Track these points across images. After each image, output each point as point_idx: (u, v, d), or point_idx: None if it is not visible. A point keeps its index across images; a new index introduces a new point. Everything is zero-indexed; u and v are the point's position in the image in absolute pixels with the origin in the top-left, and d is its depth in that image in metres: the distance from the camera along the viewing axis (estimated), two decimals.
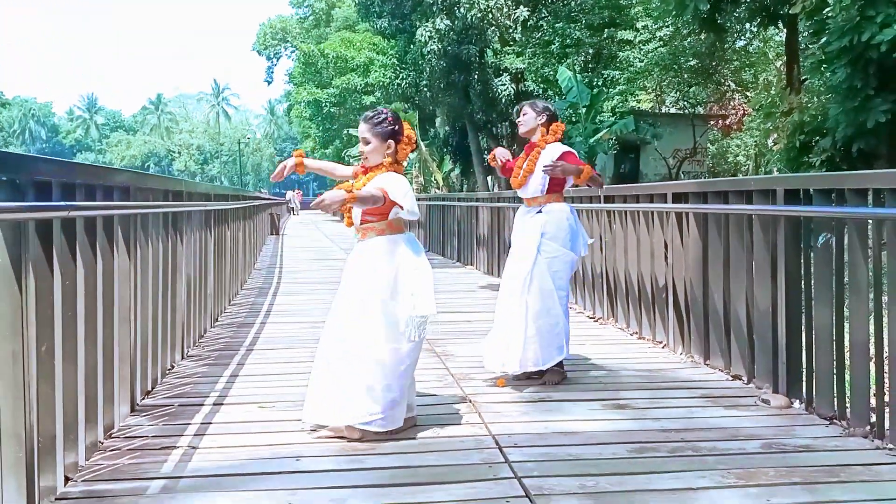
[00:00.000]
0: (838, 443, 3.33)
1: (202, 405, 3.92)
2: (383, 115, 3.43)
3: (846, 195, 3.58)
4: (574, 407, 3.90)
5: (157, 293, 4.35)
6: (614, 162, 22.43)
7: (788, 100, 12.35)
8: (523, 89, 20.15)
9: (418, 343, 3.43)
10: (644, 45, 18.60)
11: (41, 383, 2.60)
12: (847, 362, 3.61)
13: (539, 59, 19.31)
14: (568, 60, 19.06)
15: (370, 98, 28.04)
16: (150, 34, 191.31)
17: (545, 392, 4.18)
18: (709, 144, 22.36)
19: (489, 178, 24.14)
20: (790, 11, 11.76)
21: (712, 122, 22.59)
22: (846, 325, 3.61)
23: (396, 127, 3.43)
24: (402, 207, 3.34)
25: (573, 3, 19.83)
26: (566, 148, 4.45)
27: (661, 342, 5.53)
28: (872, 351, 3.42)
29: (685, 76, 19.52)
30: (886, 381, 3.33)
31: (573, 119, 18.22)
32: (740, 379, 4.44)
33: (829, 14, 9.65)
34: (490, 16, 20.09)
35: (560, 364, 4.38)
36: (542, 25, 20.00)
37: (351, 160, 28.51)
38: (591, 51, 19.32)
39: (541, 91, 19.37)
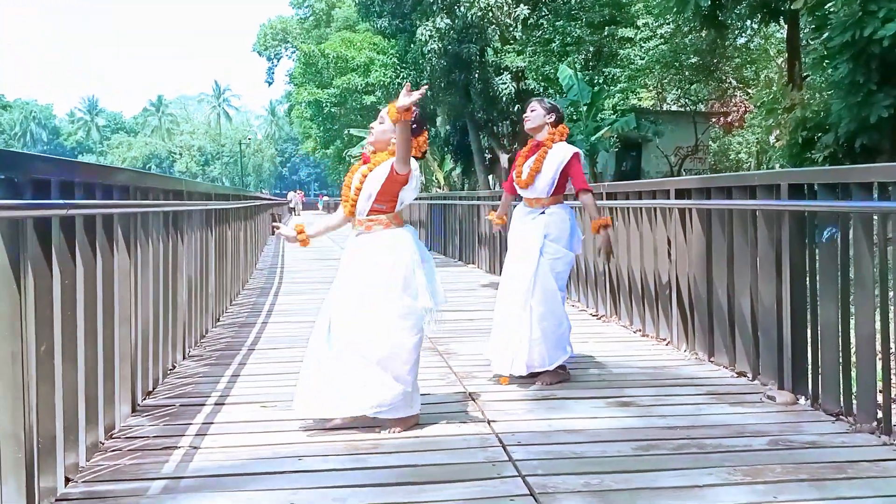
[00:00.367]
0: (845, 439, 3.30)
1: (203, 405, 3.90)
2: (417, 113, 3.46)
3: (851, 189, 3.55)
4: (578, 404, 3.87)
5: (157, 293, 4.33)
6: (616, 160, 22.40)
7: (790, 96, 12.30)
8: (524, 88, 20.13)
9: (422, 336, 3.45)
10: (645, 42, 18.56)
11: (41, 384, 2.58)
12: (853, 358, 3.57)
13: (540, 58, 19.28)
14: (569, 58, 19.03)
15: (371, 98, 28.02)
16: (151, 36, 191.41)
17: (549, 390, 4.16)
18: (710, 142, 22.32)
19: (490, 176, 24.12)
20: (791, 7, 11.71)
21: (714, 120, 22.54)
22: (852, 320, 3.58)
23: (414, 126, 3.42)
24: (400, 169, 3.36)
25: (573, 1, 19.79)
26: (574, 149, 4.40)
27: (664, 339, 5.50)
28: (879, 346, 3.39)
29: (686, 73, 19.48)
30: (893, 376, 3.29)
31: (574, 117, 18.18)
32: (745, 375, 4.41)
33: (831, 9, 9.60)
34: (490, 14, 20.06)
35: (563, 365, 4.34)
36: (542, 24, 19.97)
37: (352, 160, 28.52)
38: (591, 49, 19.29)
39: (542, 89, 19.34)
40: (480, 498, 2.69)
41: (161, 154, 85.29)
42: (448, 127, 25.80)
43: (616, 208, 6.46)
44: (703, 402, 3.90)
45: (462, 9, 19.33)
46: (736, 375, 4.46)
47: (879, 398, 3.41)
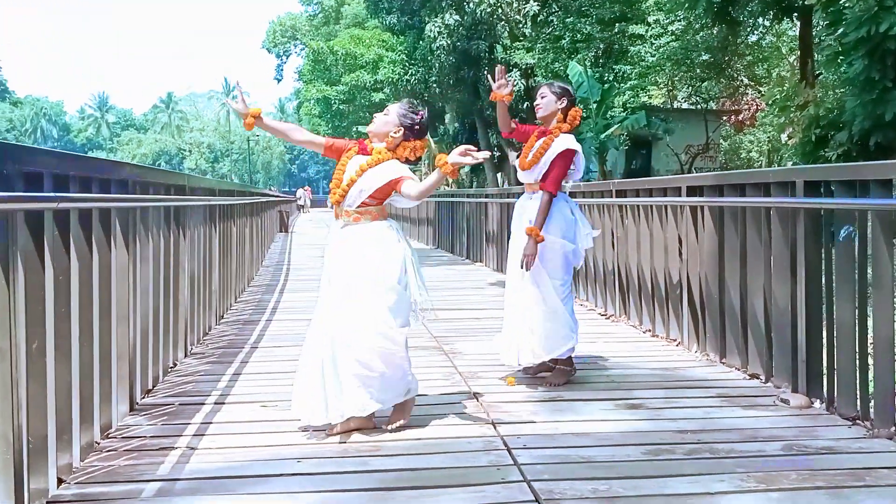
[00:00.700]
0: (862, 444, 3.19)
1: (203, 404, 3.82)
2: (418, 110, 3.41)
3: (869, 186, 3.43)
4: (586, 406, 3.77)
5: (158, 289, 4.26)
6: (625, 158, 22.25)
7: (804, 93, 12.14)
8: (533, 84, 19.97)
9: (407, 326, 3.39)
10: (656, 39, 18.40)
11: (32, 382, 2.51)
12: (870, 360, 3.46)
13: (549, 55, 19.13)
14: (578, 55, 18.88)
15: (379, 95, 27.88)
16: (161, 33, 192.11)
17: (556, 391, 4.06)
18: (721, 140, 22.15)
19: (499, 174, 24.00)
20: (805, 3, 11.54)
21: (725, 118, 22.36)
22: (869, 321, 3.47)
23: (417, 127, 3.37)
24: (411, 197, 3.34)
25: None
26: (568, 147, 4.15)
27: (675, 340, 5.39)
28: None
29: (697, 71, 19.30)
30: None
31: (584, 115, 18.04)
32: (758, 378, 4.30)
33: (846, 5, 9.46)
34: (500, 11, 19.93)
35: (568, 362, 4.24)
36: (552, 20, 19.81)
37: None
38: (601, 46, 19.12)
39: None
40: None
41: (171, 151, 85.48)
42: (456, 124, 25.70)
43: (626, 206, 6.35)
44: (715, 405, 3.79)
45: (471, 5, 19.19)
46: (748, 377, 4.35)
47: None
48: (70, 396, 2.85)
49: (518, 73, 19.97)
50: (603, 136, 18.19)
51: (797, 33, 16.57)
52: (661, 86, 21.42)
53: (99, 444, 3.18)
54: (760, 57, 20.70)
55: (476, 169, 26.50)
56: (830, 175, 3.88)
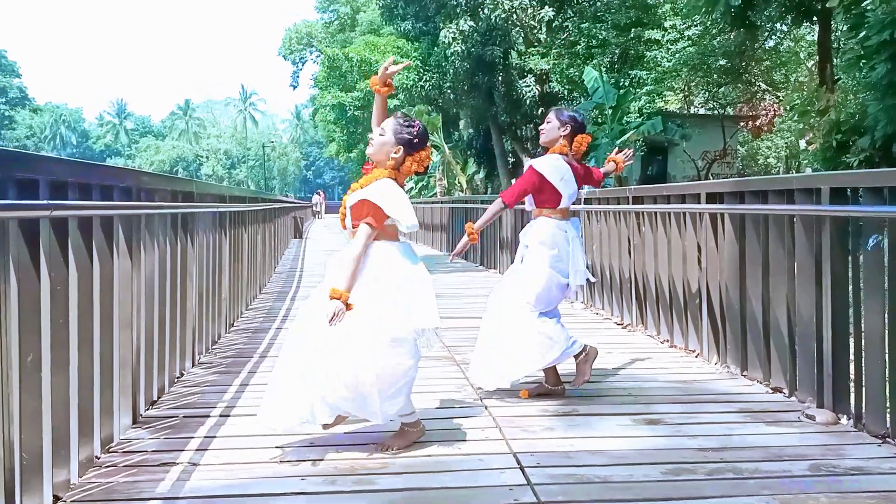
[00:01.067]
0: (893, 465, 3.04)
1: (208, 416, 3.72)
2: (412, 123, 3.25)
3: None
4: (602, 422, 3.63)
5: (163, 298, 4.17)
6: (641, 164, 22.06)
7: (824, 98, 11.94)
8: (548, 90, 19.88)
9: (416, 357, 3.16)
10: (672, 44, 18.26)
11: (25, 396, 2.41)
12: None
13: (564, 60, 19.05)
14: (594, 61, 18.76)
15: (394, 101, 27.92)
16: (179, 41, 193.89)
17: (571, 405, 3.92)
18: (738, 146, 21.93)
19: (513, 180, 23.88)
20: (825, 6, 11.35)
21: (742, 124, 22.13)
22: None
23: (416, 140, 3.22)
24: (399, 221, 3.14)
25: (599, 3, 19.53)
26: (532, 163, 4.10)
27: (693, 351, 5.24)
28: None
29: (714, 76, 19.14)
30: None
31: (599, 120, 17.91)
32: (781, 392, 4.15)
33: (869, 7, 9.27)
34: (514, 16, 19.85)
35: (581, 365, 4.07)
36: (567, 26, 19.72)
37: None
38: (617, 51, 19.00)
39: (566, 92, 19.09)
40: None
41: (188, 157, 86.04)
42: (471, 130, 25.63)
43: (643, 213, 6.21)
44: (737, 421, 3.64)
45: (486, 11, 19.14)
46: (771, 391, 4.20)
47: None
48: (68, 410, 2.76)
49: (533, 78, 19.88)
50: (618, 141, 18.01)
51: (815, 38, 16.36)
52: (678, 91, 21.23)
53: (99, 458, 3.08)
54: (778, 62, 20.50)
55: (490, 175, 26.40)
56: (857, 181, 3.73)
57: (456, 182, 30.63)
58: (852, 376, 3.64)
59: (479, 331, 4.14)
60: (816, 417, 3.62)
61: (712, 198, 5.02)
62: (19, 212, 2.34)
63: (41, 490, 2.52)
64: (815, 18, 14.40)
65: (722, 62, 18.17)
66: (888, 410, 3.36)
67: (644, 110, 18.89)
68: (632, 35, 18.88)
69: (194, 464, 3.04)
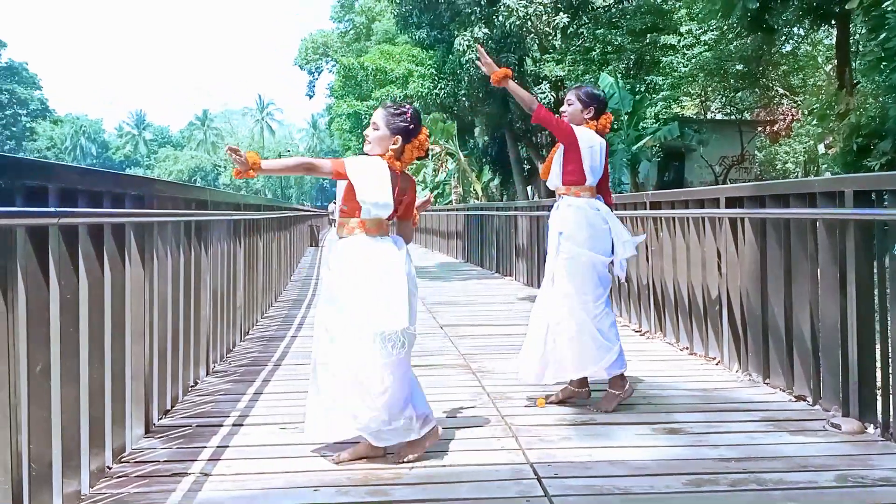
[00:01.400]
0: None
1: (221, 426, 3.68)
2: (403, 109, 3.18)
3: None
4: (621, 431, 3.55)
5: (177, 306, 4.14)
6: (658, 170, 21.91)
7: (844, 100, 11.78)
8: (563, 97, 19.78)
9: (400, 356, 3.05)
10: (688, 49, 18.13)
11: (34, 406, 2.38)
12: None
13: (579, 67, 18.95)
14: (609, 67, 18.66)
15: None
16: (197, 52, 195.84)
17: (588, 414, 3.84)
18: (756, 151, 21.72)
19: (529, 188, 23.78)
20: (846, 7, 11.19)
21: (760, 129, 21.94)
22: None
23: (412, 126, 3.16)
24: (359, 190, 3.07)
25: (614, 9, 19.43)
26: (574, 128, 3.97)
27: (714, 358, 5.14)
28: None
29: (731, 81, 18.97)
30: None
31: (615, 126, 17.79)
32: (805, 400, 4.05)
33: (889, 8, 9.13)
34: (529, 23, 19.78)
35: (617, 384, 3.94)
36: (582, 32, 19.63)
37: None
38: (632, 57, 18.89)
39: None
40: None
41: (206, 167, 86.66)
42: (486, 138, 25.57)
43: (660, 218, 6.12)
44: (760, 430, 3.55)
45: (500, 18, 19.08)
46: (794, 399, 4.10)
47: None
48: (78, 420, 2.73)
49: (548, 85, 19.81)
50: (635, 147, 17.93)
51: (833, 41, 16.18)
52: (694, 96, 21.09)
53: (111, 468, 3.05)
54: (796, 66, 20.30)
55: (506, 183, 26.32)
56: (882, 184, 3.63)
57: (471, 189, 30.59)
58: (879, 384, 3.54)
59: (529, 325, 4.03)
60: (842, 426, 3.52)
61: (732, 202, 4.93)
62: (26, 219, 2.31)
63: (51, 500, 2.48)
64: (833, 21, 14.23)
65: (739, 67, 18.01)
66: None
67: (660, 116, 18.76)
68: (647, 40, 18.76)
69: (206, 474, 3.00)
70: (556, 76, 19.53)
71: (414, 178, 3.48)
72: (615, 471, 2.99)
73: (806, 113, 17.14)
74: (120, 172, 3.90)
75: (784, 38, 17.59)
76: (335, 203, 3.30)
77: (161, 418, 3.81)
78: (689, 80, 18.58)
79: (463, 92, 20.68)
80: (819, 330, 3.95)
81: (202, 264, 4.75)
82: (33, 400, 2.37)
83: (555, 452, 3.23)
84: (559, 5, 19.30)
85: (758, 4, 12.17)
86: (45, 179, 2.51)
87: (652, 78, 18.69)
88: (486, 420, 3.73)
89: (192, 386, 4.50)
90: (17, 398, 2.26)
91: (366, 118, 31.98)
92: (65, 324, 2.61)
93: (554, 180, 4.07)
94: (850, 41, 14.50)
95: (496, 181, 27.85)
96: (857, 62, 13.79)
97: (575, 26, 19.65)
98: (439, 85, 21.41)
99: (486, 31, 19.25)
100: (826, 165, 14.28)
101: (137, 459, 3.19)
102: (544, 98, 19.83)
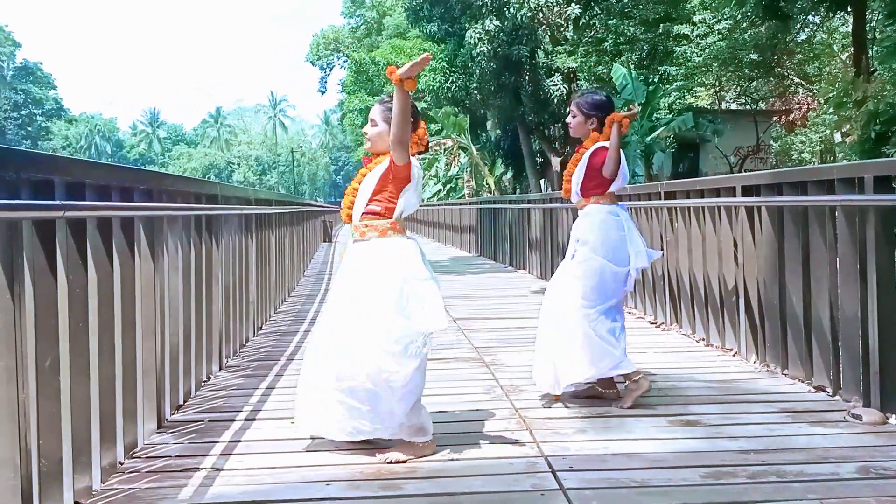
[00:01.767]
0: None
1: (233, 420, 3.66)
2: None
3: None
4: (637, 424, 3.50)
5: (188, 301, 4.12)
6: (672, 161, 21.73)
7: (861, 88, 11.61)
8: (576, 89, 19.64)
9: (424, 361, 3.02)
10: (702, 39, 17.95)
11: (43, 402, 2.37)
12: None
13: (592, 58, 18.81)
14: (622, 58, 18.51)
15: (421, 104, 27.89)
16: (210, 50, 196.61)
17: (604, 406, 3.78)
18: (772, 141, 21.51)
19: (542, 181, 23.67)
20: None
21: (775, 118, 21.71)
22: None
23: (412, 119, 3.10)
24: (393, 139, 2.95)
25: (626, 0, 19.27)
26: (601, 144, 3.89)
27: (731, 349, 5.07)
28: None
29: (746, 70, 18.79)
30: None
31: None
32: (824, 391, 3.98)
33: None
34: (541, 15, 19.67)
35: (607, 382, 3.88)
36: (594, 23, 19.47)
37: None
38: (646, 47, 18.71)
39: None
40: None
41: (220, 164, 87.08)
42: (498, 131, 25.48)
43: (675, 208, 6.05)
44: (779, 422, 3.48)
45: (511, 10, 18.97)
46: (814, 390, 4.03)
47: None
48: (88, 415, 2.71)
49: (560, 77, 19.68)
50: (648, 138, 17.78)
51: (850, 29, 15.95)
52: (709, 86, 20.89)
53: (122, 464, 3.04)
54: (811, 54, 20.07)
55: (519, 176, 26.22)
56: None
57: (484, 183, 30.50)
58: None
59: (537, 331, 3.97)
60: (863, 417, 3.45)
61: (748, 191, 4.85)
62: (31, 212, 2.29)
63: (61, 496, 2.47)
64: (849, 8, 14.03)
65: (753, 56, 17.82)
66: None
67: (674, 106, 18.60)
68: (660, 30, 18.58)
69: (217, 469, 2.98)
70: (569, 68, 19.40)
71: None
72: (631, 463, 2.94)
73: (822, 101, 16.94)
74: (127, 166, 3.88)
75: (799, 25, 17.39)
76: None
77: (173, 413, 3.80)
78: (703, 70, 18.42)
79: (475, 85, 20.59)
80: (839, 319, 3.88)
81: (213, 259, 4.73)
82: (42, 395, 2.36)
83: (569, 445, 3.18)
84: None
85: None
86: (50, 172, 2.49)
87: (665, 68, 18.53)
88: (499, 413, 3.69)
89: (204, 381, 4.49)
90: (26, 394, 2.24)
91: None
92: (73, 318, 2.60)
93: (574, 197, 4.01)
94: (867, 28, 14.28)
95: (509, 174, 27.76)
96: (874, 49, 13.60)
97: (587, 17, 19.50)
98: (451, 78, 21.34)
99: (497, 23, 19.15)
100: (843, 154, 14.10)
101: (149, 455, 3.17)
102: (556, 90, 19.72)
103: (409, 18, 24.00)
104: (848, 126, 12.88)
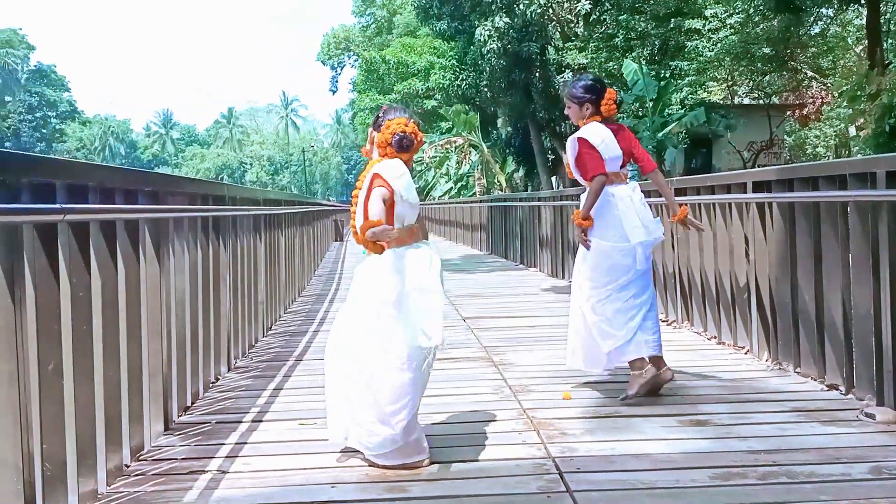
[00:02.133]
0: None
1: (240, 422, 3.66)
2: (377, 113, 3.18)
3: None
4: (646, 424, 3.46)
5: (195, 303, 4.12)
6: (685, 157, 21.57)
7: (875, 81, 11.47)
8: None
9: (423, 374, 2.98)
10: (713, 33, 17.81)
11: (46, 405, 2.36)
12: None
13: (602, 54, 18.72)
14: (633, 53, 18.41)
15: (431, 102, 27.89)
16: (222, 51, 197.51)
17: (612, 406, 3.75)
18: (785, 136, 21.33)
19: (553, 178, 23.58)
20: None
21: (789, 112, 21.53)
22: None
23: (378, 122, 3.11)
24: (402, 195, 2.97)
25: None
26: (576, 137, 3.95)
27: (743, 347, 5.02)
28: None
29: (758, 65, 18.64)
30: None
31: (640, 113, 17.56)
32: (837, 389, 3.92)
33: None
34: (551, 11, 19.58)
35: (639, 363, 3.86)
36: (604, 19, 19.38)
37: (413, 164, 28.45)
38: (657, 42, 18.62)
39: None
40: None
41: (233, 165, 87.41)
42: (509, 128, 25.40)
43: (686, 204, 5.97)
44: (790, 421, 3.43)
45: (521, 6, 18.88)
46: (826, 389, 3.97)
47: None
48: (93, 419, 2.71)
49: (570, 73, 19.59)
50: (660, 134, 17.67)
51: (864, 21, 15.77)
52: (721, 81, 20.75)
53: (129, 466, 3.03)
54: (825, 48, 19.87)
55: (530, 173, 26.14)
56: None
57: (495, 181, 30.45)
58: None
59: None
60: (876, 416, 3.40)
61: (759, 186, 4.79)
62: (31, 216, 2.28)
63: (66, 499, 2.46)
64: (862, 1, 13.88)
65: (766, 50, 17.68)
66: None
67: (686, 102, 18.49)
68: (671, 25, 18.46)
69: (223, 471, 2.97)
70: (580, 64, 19.30)
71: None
72: (639, 465, 2.90)
73: (836, 95, 16.76)
74: (129, 168, 3.88)
75: (812, 18, 17.21)
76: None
77: (181, 415, 3.79)
78: (715, 65, 18.29)
79: (485, 83, 20.55)
80: (851, 316, 3.82)
81: (221, 260, 4.73)
82: (45, 399, 2.35)
83: (577, 446, 3.15)
84: None
85: None
86: (51, 176, 2.48)
87: (677, 63, 18.42)
88: (507, 414, 3.66)
89: (212, 382, 4.49)
90: (28, 397, 2.24)
91: None
92: (77, 321, 2.59)
93: (578, 179, 4.11)
94: (881, 21, 14.12)
95: (520, 172, 27.68)
96: (889, 42, 13.45)
97: (597, 13, 19.41)
98: (461, 76, 21.31)
99: (506, 20, 19.09)
100: (858, 148, 13.95)
101: (156, 457, 3.17)
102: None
103: (418, 17, 23.99)
104: (862, 120, 12.73)
